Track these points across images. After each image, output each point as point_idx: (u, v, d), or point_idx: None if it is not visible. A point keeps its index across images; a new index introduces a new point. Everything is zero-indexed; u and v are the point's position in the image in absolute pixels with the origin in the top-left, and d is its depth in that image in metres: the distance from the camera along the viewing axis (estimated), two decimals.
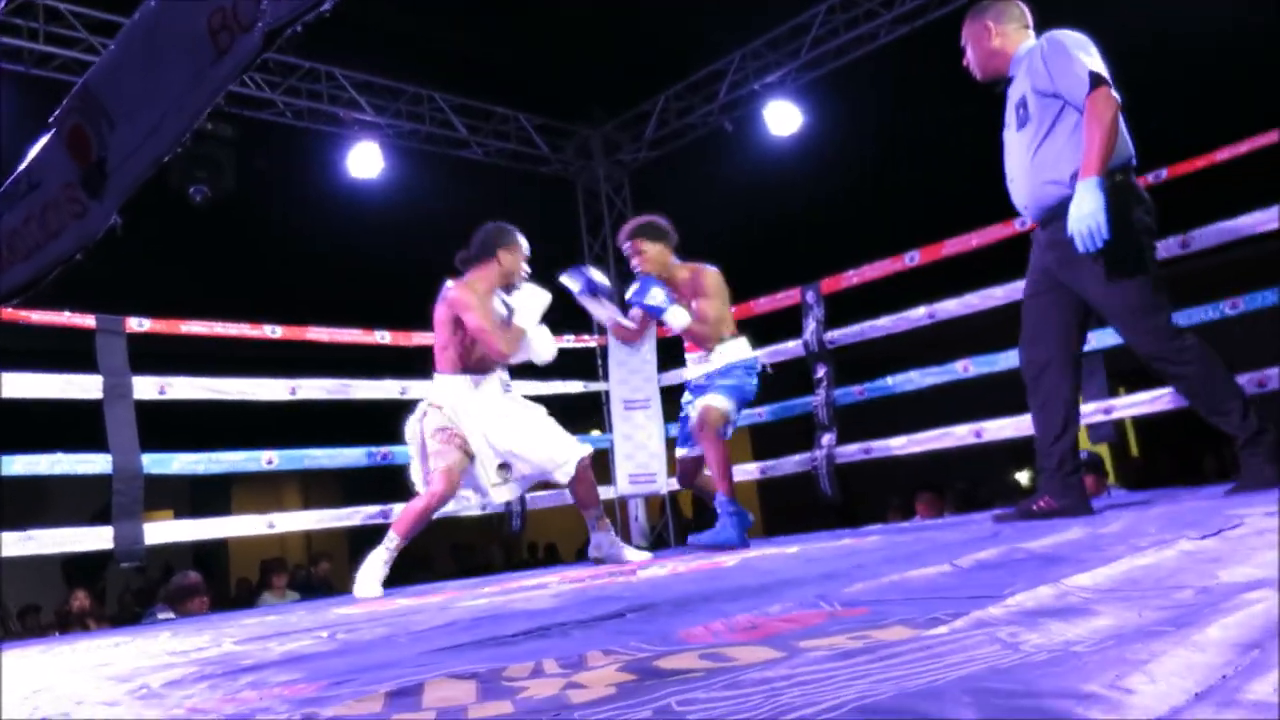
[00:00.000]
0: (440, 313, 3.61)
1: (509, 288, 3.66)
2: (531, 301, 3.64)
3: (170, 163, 1.06)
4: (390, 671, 1.16)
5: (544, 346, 3.68)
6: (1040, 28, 2.93)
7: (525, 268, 3.70)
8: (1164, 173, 4.06)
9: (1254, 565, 1.11)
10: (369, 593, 3.42)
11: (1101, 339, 4.14)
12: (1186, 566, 1.18)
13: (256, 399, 4.34)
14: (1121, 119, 2.70)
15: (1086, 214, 2.57)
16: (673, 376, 5.43)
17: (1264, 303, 3.79)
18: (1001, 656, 0.78)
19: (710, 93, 7.60)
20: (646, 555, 3.85)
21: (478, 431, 3.52)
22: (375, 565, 3.47)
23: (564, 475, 3.52)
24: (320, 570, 8.15)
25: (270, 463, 4.31)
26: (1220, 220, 3.83)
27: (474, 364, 3.58)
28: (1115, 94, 2.66)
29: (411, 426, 3.64)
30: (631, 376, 5.33)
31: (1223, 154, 3.94)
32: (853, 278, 4.75)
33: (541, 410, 3.66)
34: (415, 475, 3.65)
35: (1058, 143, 2.76)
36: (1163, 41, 6.66)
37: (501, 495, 3.65)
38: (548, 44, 7.17)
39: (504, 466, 3.56)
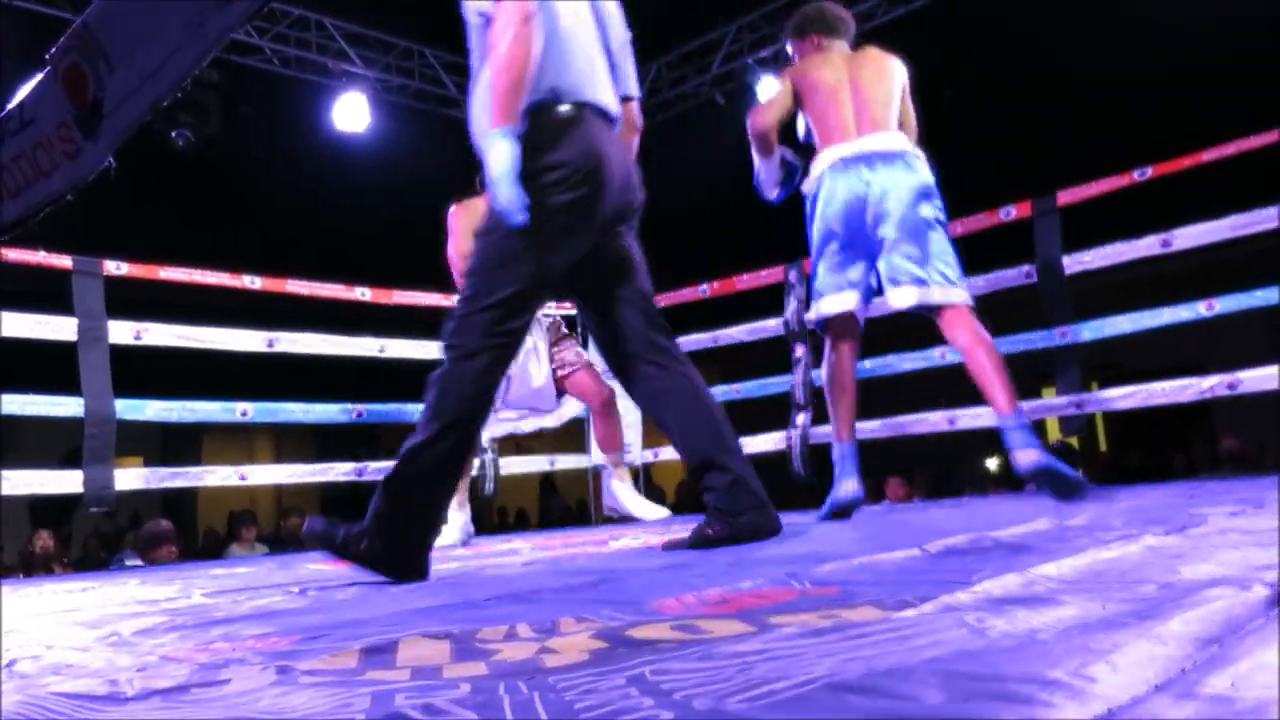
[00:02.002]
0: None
1: None
2: None
3: None
4: (363, 629, 1.17)
5: None
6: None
7: None
8: (1149, 171, 4.09)
9: (1216, 563, 1.13)
10: (445, 540, 3.50)
11: (1076, 333, 4.19)
12: (1150, 561, 1.21)
13: (233, 349, 4.31)
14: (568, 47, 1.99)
15: (491, 185, 1.89)
16: None
17: (1239, 305, 3.84)
18: (968, 641, 0.79)
19: (703, 64, 7.56)
20: (664, 513, 3.87)
21: None
22: (452, 521, 3.56)
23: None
24: (290, 525, 8.13)
25: (244, 414, 4.29)
26: (1203, 220, 3.86)
27: None
28: (529, 6, 1.88)
29: None
30: None
31: (1209, 155, 3.96)
32: None
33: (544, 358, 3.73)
34: None
35: (483, 81, 2.04)
36: (1159, 37, 6.69)
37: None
38: None
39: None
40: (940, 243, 2.87)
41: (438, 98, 7.55)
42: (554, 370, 3.76)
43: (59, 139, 0.87)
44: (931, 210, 2.88)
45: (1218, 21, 6.45)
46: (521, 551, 2.79)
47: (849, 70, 3.08)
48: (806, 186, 3.09)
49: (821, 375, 3.13)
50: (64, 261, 3.83)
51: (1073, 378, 4.22)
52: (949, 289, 2.83)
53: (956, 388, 4.83)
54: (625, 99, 2.24)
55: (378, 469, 4.52)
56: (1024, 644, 0.77)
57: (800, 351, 4.87)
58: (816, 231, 3.03)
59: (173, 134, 6.25)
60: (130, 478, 4.08)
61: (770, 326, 4.96)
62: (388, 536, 1.88)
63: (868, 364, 4.68)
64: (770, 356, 5.01)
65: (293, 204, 8.36)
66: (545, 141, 1.96)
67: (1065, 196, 4.21)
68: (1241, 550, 1.22)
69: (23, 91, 0.93)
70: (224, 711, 0.78)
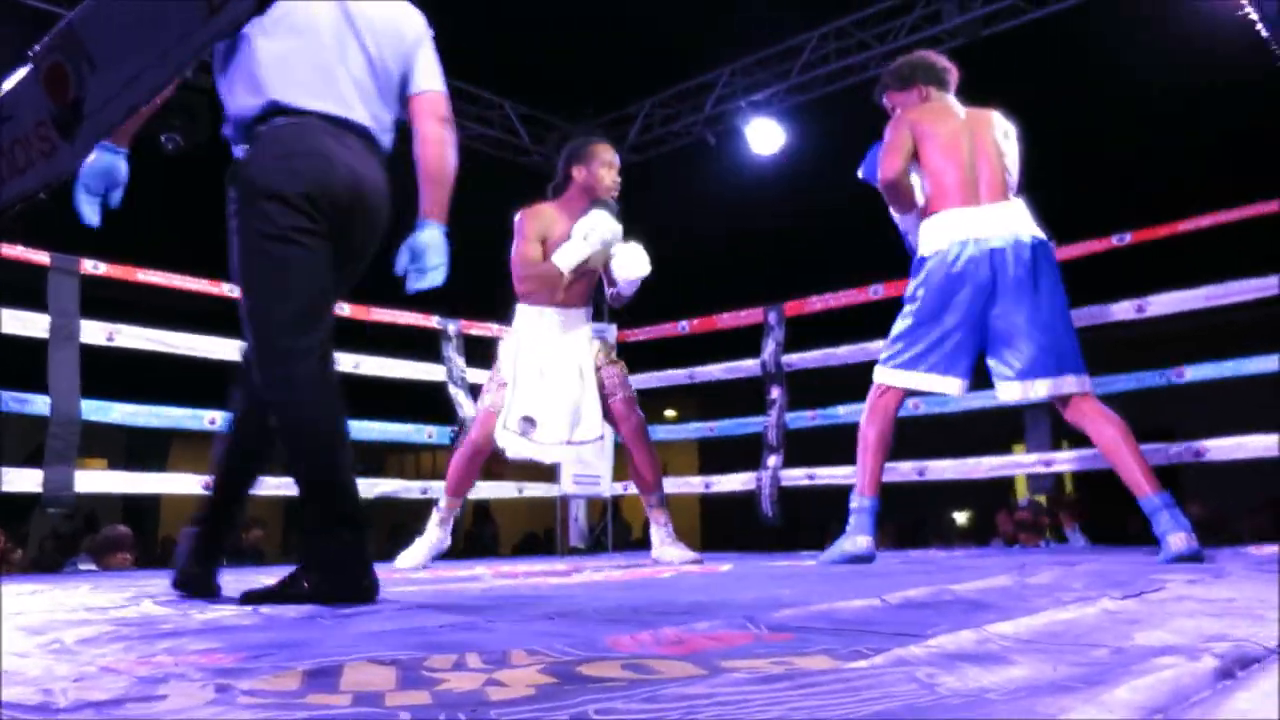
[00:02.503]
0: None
1: (596, 202, 3.32)
2: (577, 244, 3.26)
3: None
4: (310, 650, 1.15)
5: (628, 268, 3.33)
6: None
7: (611, 178, 3.38)
8: (1128, 236, 4.14)
9: (1169, 630, 1.14)
10: (407, 564, 3.37)
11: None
12: (1105, 625, 1.21)
13: (207, 356, 4.27)
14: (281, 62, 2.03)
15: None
16: (639, 380, 5.42)
17: (1207, 375, 3.89)
18: (917, 696, 0.79)
19: (697, 104, 7.62)
20: (690, 555, 3.37)
21: (523, 367, 3.28)
22: (426, 537, 3.44)
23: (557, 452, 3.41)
24: (250, 537, 8.00)
25: (213, 423, 4.23)
26: (1181, 288, 3.92)
27: (542, 298, 3.35)
28: None
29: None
30: None
31: (1184, 225, 4.02)
32: (816, 304, 4.80)
33: (590, 386, 3.36)
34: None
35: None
36: (1149, 105, 6.81)
37: (508, 444, 3.29)
38: (541, 35, 7.16)
39: (527, 420, 3.26)
40: (1070, 329, 2.86)
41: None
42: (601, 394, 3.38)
43: (37, 137, 0.86)
44: (1061, 296, 2.86)
45: (1203, 90, 6.58)
46: (483, 578, 2.76)
47: (971, 128, 2.99)
48: (924, 248, 2.98)
49: (864, 424, 3.09)
50: (41, 257, 3.80)
51: (1042, 436, 4.24)
52: (1082, 379, 2.81)
53: (926, 439, 4.85)
54: (415, 95, 2.28)
55: None
56: (972, 703, 0.77)
57: (775, 393, 4.88)
58: (929, 298, 2.91)
59: (162, 138, 6.22)
60: (92, 480, 4.02)
61: (747, 366, 4.97)
62: (323, 568, 1.89)
63: (840, 410, 4.69)
64: (744, 396, 5.02)
65: None
66: (264, 151, 2.01)
67: None
68: (1195, 619, 1.23)
69: (4, 86, 0.93)
70: None
